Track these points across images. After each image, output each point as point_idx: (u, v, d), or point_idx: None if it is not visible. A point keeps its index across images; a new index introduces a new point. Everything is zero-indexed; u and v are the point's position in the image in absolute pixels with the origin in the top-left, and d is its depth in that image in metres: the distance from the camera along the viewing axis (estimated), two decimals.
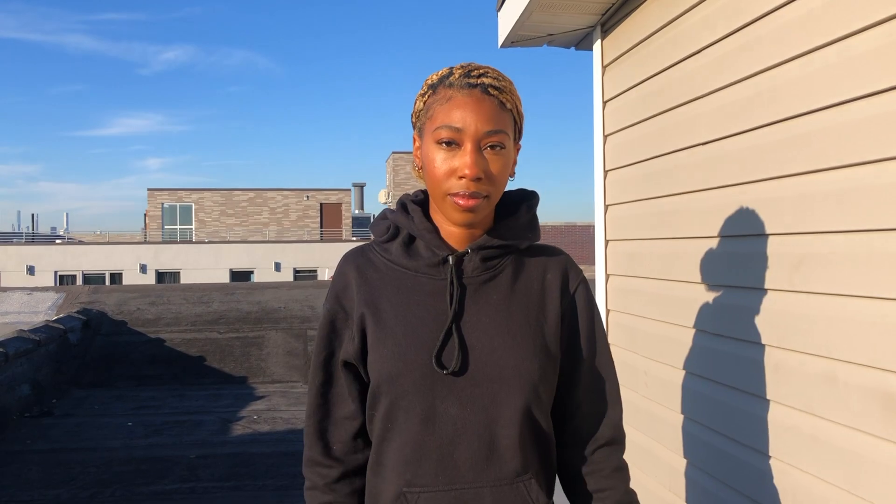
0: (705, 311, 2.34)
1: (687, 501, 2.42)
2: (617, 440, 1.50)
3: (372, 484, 1.42)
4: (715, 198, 2.33)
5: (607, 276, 3.28)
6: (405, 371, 1.36)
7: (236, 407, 7.69)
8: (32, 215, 56.22)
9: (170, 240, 42.23)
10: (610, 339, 3.09)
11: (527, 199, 1.51)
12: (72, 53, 67.08)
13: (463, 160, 1.33)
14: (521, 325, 1.40)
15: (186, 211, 45.12)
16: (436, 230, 1.44)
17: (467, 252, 1.42)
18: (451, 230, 1.44)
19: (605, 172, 3.33)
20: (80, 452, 6.26)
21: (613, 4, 3.07)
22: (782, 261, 1.98)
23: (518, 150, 1.47)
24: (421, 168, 1.44)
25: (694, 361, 2.44)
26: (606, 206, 3.29)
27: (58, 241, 45.16)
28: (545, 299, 1.44)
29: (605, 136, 3.32)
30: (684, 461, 2.50)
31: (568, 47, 3.61)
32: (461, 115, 1.33)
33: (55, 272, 34.41)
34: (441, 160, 1.35)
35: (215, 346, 9.45)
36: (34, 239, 48.54)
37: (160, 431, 6.92)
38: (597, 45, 3.38)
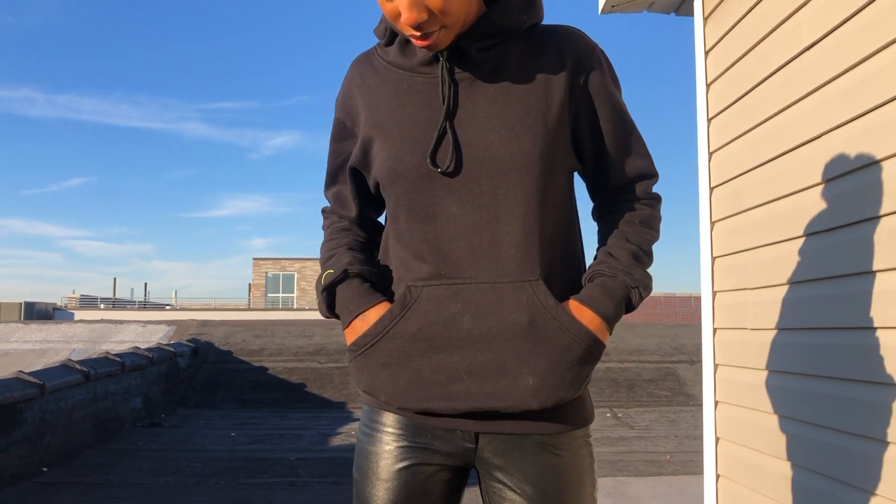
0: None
1: None
2: (649, 174, 1.44)
3: (381, 282, 1.41)
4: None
5: None
6: (403, 172, 1.34)
7: (335, 425, 7.77)
8: (145, 284, 59.13)
9: (272, 307, 43.49)
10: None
11: None
12: (188, 140, 71.55)
13: (400, 3, 1.22)
14: (520, 117, 1.31)
15: (289, 280, 46.46)
16: None
17: (458, 47, 1.32)
18: None
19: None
20: (187, 452, 6.43)
21: None
22: None
23: None
24: None
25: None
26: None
27: (167, 307, 47.19)
28: (549, 85, 1.34)
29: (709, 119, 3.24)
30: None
31: (668, 13, 3.66)
32: None
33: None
34: (382, 4, 1.26)
35: (316, 374, 9.62)
36: (146, 305, 50.87)
37: (262, 440, 7.05)
38: (697, 4, 3.39)
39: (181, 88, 77.43)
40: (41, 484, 5.22)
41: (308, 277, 45.89)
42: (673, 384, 9.79)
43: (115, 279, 53.20)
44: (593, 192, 1.50)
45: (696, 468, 5.84)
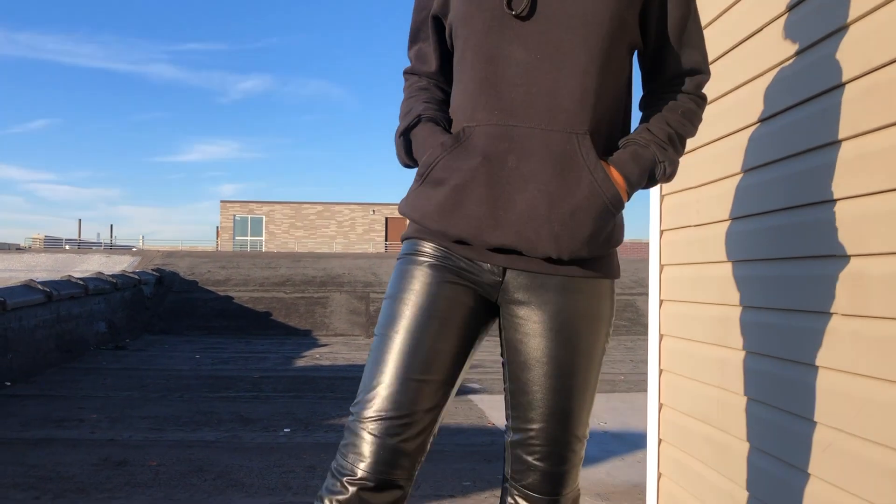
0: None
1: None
2: (702, 70, 1.51)
3: (452, 129, 1.49)
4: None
5: None
6: (476, 12, 1.39)
7: (300, 350, 7.87)
8: (111, 227, 58.50)
9: (240, 251, 43.31)
10: None
11: None
12: (154, 82, 69.89)
13: None
14: None
15: (257, 223, 46.12)
16: None
17: None
18: None
19: None
20: (151, 371, 6.51)
21: None
22: None
23: None
24: None
25: None
26: None
27: (133, 249, 46.69)
28: None
29: None
30: None
31: None
32: None
33: None
34: None
35: (281, 304, 9.68)
36: (112, 248, 50.30)
37: (226, 362, 7.14)
38: None
39: (148, 28, 75.44)
40: (4, 396, 5.26)
41: (276, 221, 45.62)
42: (632, 315, 10.01)
43: (80, 220, 52.35)
44: (647, 79, 1.55)
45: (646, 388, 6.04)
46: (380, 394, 1.35)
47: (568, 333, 1.38)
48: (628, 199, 1.40)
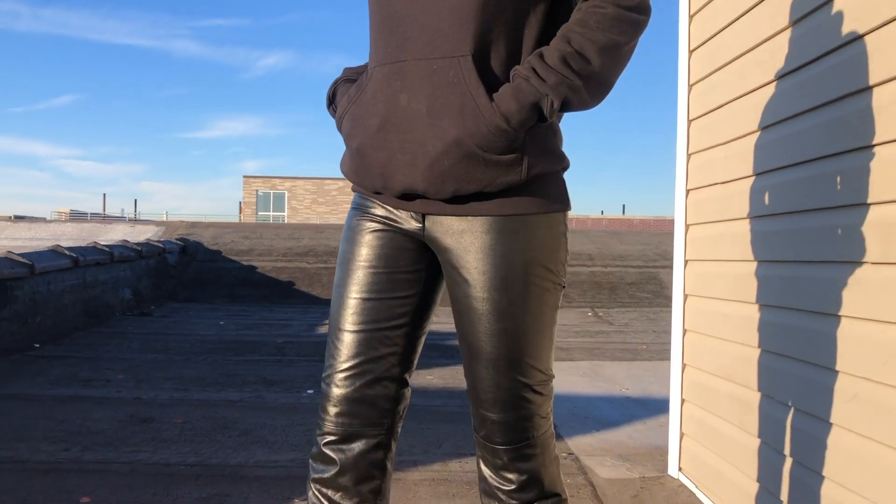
0: None
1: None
2: None
3: None
4: None
5: None
6: None
7: (322, 318, 7.93)
8: (135, 201, 58.92)
9: (263, 223, 43.52)
10: None
11: None
12: (177, 58, 70.20)
13: None
14: None
15: (280, 199, 46.32)
16: None
17: None
18: None
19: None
20: (176, 336, 6.58)
21: None
22: None
23: None
24: None
25: None
26: None
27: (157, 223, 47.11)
28: None
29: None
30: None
31: None
32: None
33: None
34: None
35: (304, 273, 9.74)
36: (136, 221, 50.80)
37: (250, 328, 7.20)
38: None
39: (171, 4, 75.51)
40: (33, 357, 5.35)
41: (298, 196, 45.77)
42: (654, 287, 9.97)
43: (104, 195, 52.84)
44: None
45: (669, 356, 6.02)
46: (330, 349, 1.39)
47: (494, 275, 1.29)
48: (513, 138, 1.24)
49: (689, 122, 2.89)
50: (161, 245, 9.44)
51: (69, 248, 7.05)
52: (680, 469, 2.94)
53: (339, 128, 1.41)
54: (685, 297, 2.92)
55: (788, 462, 2.09)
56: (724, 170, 2.56)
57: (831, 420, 1.88)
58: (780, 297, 2.18)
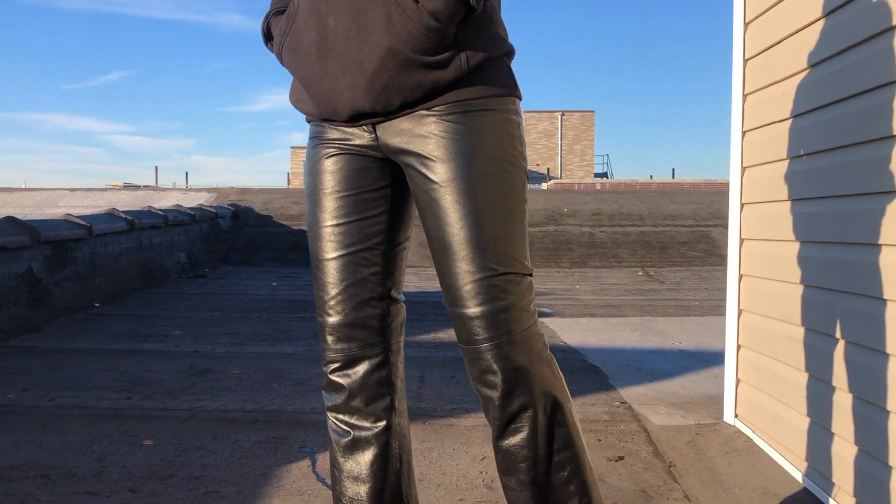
0: None
1: None
2: None
3: None
4: None
5: None
6: None
7: None
8: (186, 174, 59.88)
9: None
10: None
11: None
12: (224, 32, 70.78)
13: None
14: None
15: None
16: None
17: None
18: None
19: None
20: (231, 296, 6.71)
21: None
22: None
23: None
24: None
25: None
26: None
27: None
28: None
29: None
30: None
31: None
32: None
33: None
34: None
35: None
36: (189, 189, 51.64)
37: (303, 288, 7.30)
38: None
39: None
40: (93, 315, 5.51)
41: None
42: (707, 246, 9.81)
43: (156, 168, 53.81)
44: None
45: (724, 311, 5.94)
46: (316, 282, 1.41)
47: (451, 160, 1.27)
48: (445, 33, 1.23)
49: (745, 61, 2.81)
50: (213, 210, 9.60)
51: (125, 212, 7.21)
52: (736, 416, 2.90)
53: (281, 62, 1.40)
54: (741, 241, 2.87)
55: (848, 398, 2.05)
56: (782, 107, 2.49)
57: (887, 351, 1.83)
58: (838, 234, 2.12)
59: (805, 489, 2.30)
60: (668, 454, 2.65)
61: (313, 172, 1.41)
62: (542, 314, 5.86)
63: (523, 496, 1.32)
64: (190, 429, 2.88)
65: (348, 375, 1.40)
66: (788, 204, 2.45)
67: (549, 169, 35.66)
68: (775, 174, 2.54)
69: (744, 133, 2.83)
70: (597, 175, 38.17)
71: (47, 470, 2.45)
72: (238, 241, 9.94)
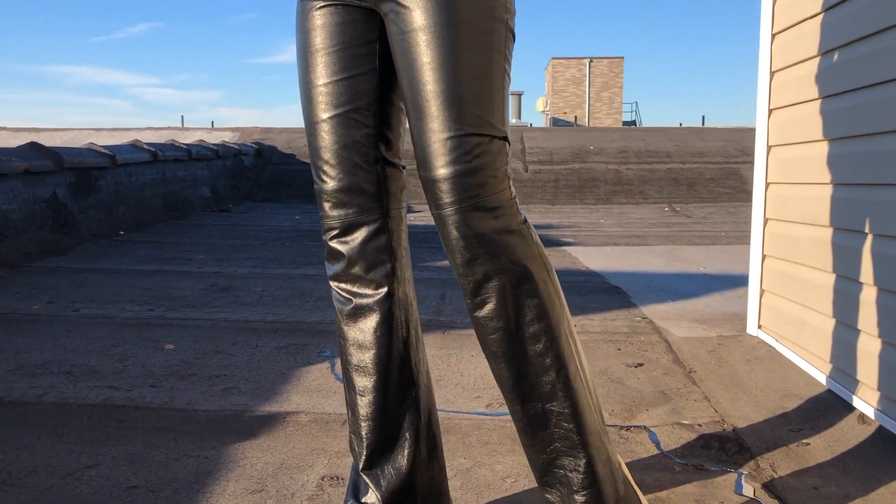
0: None
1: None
2: None
3: None
4: None
5: None
6: None
7: None
8: (212, 122, 59.94)
9: None
10: None
11: None
12: None
13: None
14: None
15: None
16: None
17: None
18: None
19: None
20: (254, 227, 6.73)
21: None
22: None
23: None
24: None
25: None
26: None
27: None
28: None
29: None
30: None
31: None
32: None
33: None
34: None
35: None
36: (212, 129, 51.77)
37: None
38: None
39: None
40: (118, 241, 5.56)
41: None
42: (735, 182, 9.65)
43: (182, 117, 53.91)
44: None
45: (749, 242, 5.86)
46: (310, 147, 1.39)
47: (419, 13, 1.19)
48: None
49: (773, 4, 2.70)
50: (237, 147, 9.58)
51: (148, 144, 7.22)
52: (759, 327, 2.87)
53: None
54: (768, 148, 2.79)
55: (874, 292, 2.00)
56: (811, 49, 2.40)
57: None
58: (867, 125, 2.04)
59: (828, 390, 2.27)
60: (689, 362, 2.63)
61: (302, 29, 1.38)
62: (564, 243, 5.82)
63: (499, 368, 1.28)
64: (211, 336, 2.90)
65: (346, 242, 1.38)
66: (818, 103, 2.37)
67: (576, 116, 35.21)
68: (806, 73, 2.45)
69: (772, 73, 2.74)
70: (625, 123, 37.67)
71: (70, 367, 2.48)
72: (262, 179, 9.94)
